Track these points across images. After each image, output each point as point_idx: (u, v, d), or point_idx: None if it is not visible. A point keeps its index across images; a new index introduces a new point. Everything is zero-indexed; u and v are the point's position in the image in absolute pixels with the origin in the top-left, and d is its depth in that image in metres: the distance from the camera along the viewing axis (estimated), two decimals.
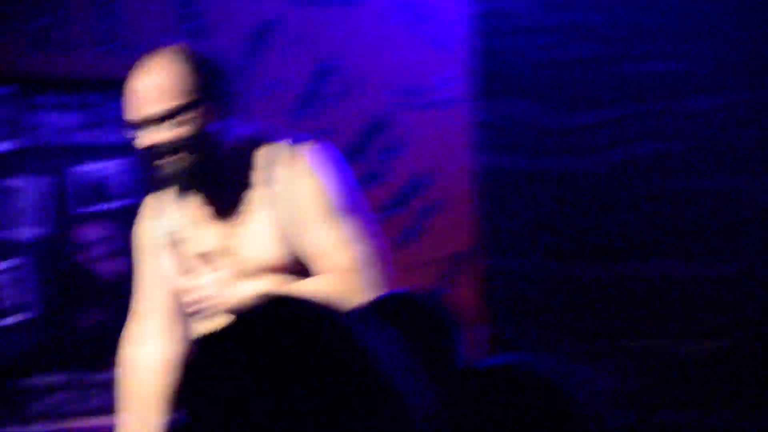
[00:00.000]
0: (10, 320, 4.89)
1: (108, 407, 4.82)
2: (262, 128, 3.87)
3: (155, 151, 3.62)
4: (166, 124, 3.60)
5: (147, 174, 3.85)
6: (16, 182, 4.84)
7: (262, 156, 3.73)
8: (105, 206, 5.04)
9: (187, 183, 3.67)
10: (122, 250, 4.97)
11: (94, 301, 5.10)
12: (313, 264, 3.70)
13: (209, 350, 1.65)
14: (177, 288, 3.86)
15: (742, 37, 5.84)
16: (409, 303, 3.03)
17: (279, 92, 5.22)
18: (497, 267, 5.85)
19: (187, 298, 3.81)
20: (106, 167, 5.05)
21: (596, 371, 6.14)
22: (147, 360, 3.95)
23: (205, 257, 3.80)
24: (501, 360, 2.13)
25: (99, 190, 5.03)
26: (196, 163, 3.65)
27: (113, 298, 5.08)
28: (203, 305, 3.79)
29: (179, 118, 3.59)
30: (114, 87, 4.73)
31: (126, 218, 4.94)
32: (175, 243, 3.85)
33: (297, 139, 3.75)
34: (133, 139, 3.70)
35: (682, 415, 5.80)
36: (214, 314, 3.71)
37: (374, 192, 5.24)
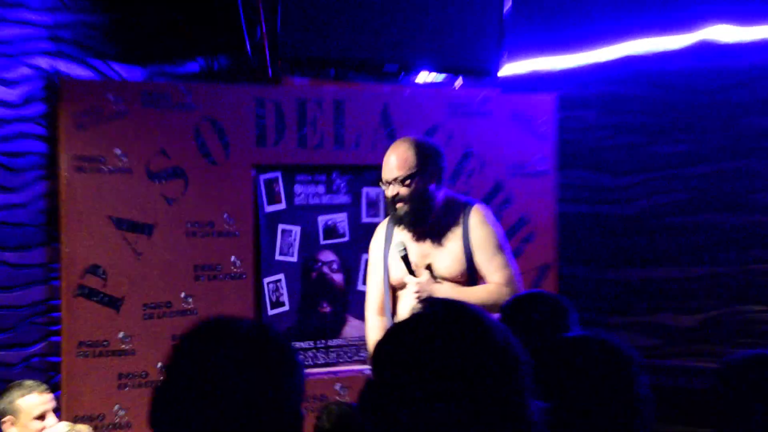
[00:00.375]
0: (282, 309, 6.03)
1: (335, 362, 6.22)
2: (456, 194, 5.08)
3: (395, 199, 4.88)
4: (403, 183, 4.85)
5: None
6: (285, 227, 6.06)
7: (454, 208, 4.94)
8: (335, 240, 6.22)
9: (412, 219, 4.88)
10: (342, 267, 6.26)
11: (327, 297, 6.22)
12: (481, 278, 4.86)
13: (405, 328, 2.08)
14: (401, 281, 4.90)
15: (720, 133, 6.83)
16: (538, 297, 3.78)
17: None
18: (569, 273, 7.02)
19: (411, 288, 4.83)
20: (337, 217, 6.22)
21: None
22: (375, 322, 5.11)
23: (420, 264, 4.89)
24: (581, 334, 2.52)
25: (333, 230, 6.20)
26: (418, 207, 4.87)
27: (340, 296, 6.25)
28: (420, 293, 4.83)
29: (409, 181, 4.83)
30: (341, 170, 6.22)
31: (347, 247, 6.27)
32: (403, 253, 4.84)
33: (474, 201, 5.02)
34: (383, 190, 4.92)
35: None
36: (425, 300, 4.68)
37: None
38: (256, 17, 5.92)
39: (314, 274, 6.23)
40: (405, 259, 4.88)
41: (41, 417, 4.86)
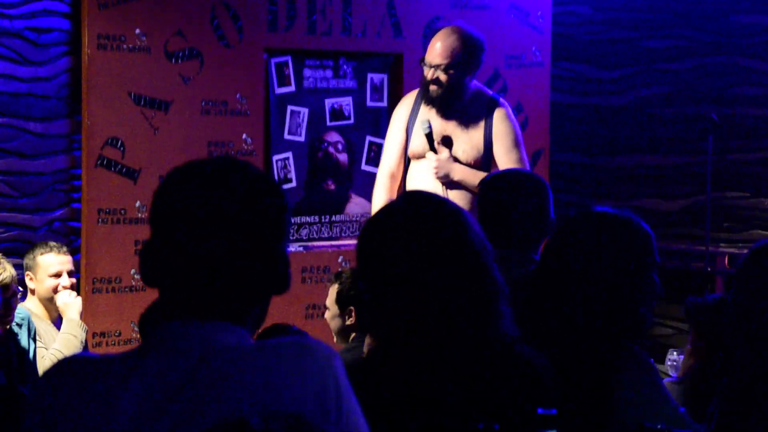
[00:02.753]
0: (289, 185, 6.09)
1: (338, 237, 6.33)
2: (484, 87, 5.19)
3: (432, 81, 4.95)
4: (443, 70, 4.92)
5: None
6: (294, 108, 6.14)
7: (481, 99, 5.03)
8: (340, 122, 6.31)
9: (442, 103, 4.96)
10: (350, 146, 6.35)
11: (332, 175, 6.33)
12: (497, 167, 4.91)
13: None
14: (420, 153, 4.98)
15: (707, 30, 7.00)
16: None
17: None
18: (560, 159, 7.11)
19: (430, 163, 4.92)
20: (343, 101, 6.31)
21: None
22: (381, 191, 5.19)
23: (442, 142, 5.00)
24: (603, 209, 2.58)
25: (338, 113, 6.30)
26: (451, 94, 4.95)
27: (344, 174, 6.35)
28: (438, 170, 4.92)
29: (450, 70, 4.90)
30: (348, 56, 6.27)
31: (352, 129, 6.35)
32: (428, 130, 4.92)
33: (499, 97, 5.14)
34: (422, 70, 5.00)
35: None
36: (441, 175, 4.88)
37: None
38: None
39: (320, 154, 6.31)
40: (429, 136, 4.95)
41: (57, 275, 4.93)
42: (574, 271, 2.44)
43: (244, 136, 6.02)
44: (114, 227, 5.69)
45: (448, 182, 4.97)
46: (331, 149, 6.32)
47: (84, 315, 5.24)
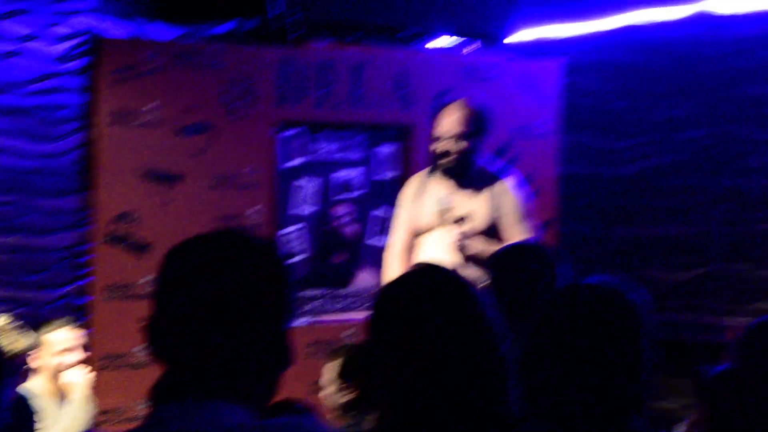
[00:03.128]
0: (295, 259, 6.04)
1: (345, 309, 6.23)
2: (492, 157, 5.18)
3: (442, 152, 4.95)
4: (454, 140, 4.93)
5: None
6: (302, 181, 6.06)
7: (491, 171, 5.02)
8: (348, 195, 6.22)
9: (453, 173, 4.95)
10: (357, 220, 6.27)
11: (339, 248, 6.21)
12: (504, 241, 4.86)
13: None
14: (428, 227, 4.95)
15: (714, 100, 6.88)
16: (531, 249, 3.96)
17: None
18: (569, 230, 7.02)
19: (449, 235, 4.89)
20: (351, 173, 6.22)
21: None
22: (395, 263, 5.17)
23: (454, 216, 4.94)
24: (592, 281, 2.39)
25: (346, 185, 6.20)
26: (462, 164, 4.94)
27: (351, 248, 6.24)
28: (458, 243, 4.88)
29: (461, 140, 4.90)
30: (357, 129, 6.22)
31: (359, 202, 6.26)
32: (443, 206, 4.90)
33: (509, 169, 5.16)
34: (432, 143, 5.00)
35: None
36: (455, 247, 4.87)
37: None
38: None
39: (327, 227, 6.24)
40: (446, 210, 4.96)
41: (64, 352, 4.83)
42: (563, 347, 2.33)
43: (252, 209, 5.96)
44: (122, 303, 5.60)
45: (466, 255, 4.94)
46: (338, 222, 6.25)
47: (92, 392, 5.15)
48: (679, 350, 6.38)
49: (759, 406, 2.49)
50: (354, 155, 6.29)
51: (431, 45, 6.61)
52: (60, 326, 4.86)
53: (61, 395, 4.91)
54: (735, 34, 6.77)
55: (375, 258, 6.18)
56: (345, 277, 6.30)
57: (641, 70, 7.12)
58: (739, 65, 6.80)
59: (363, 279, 6.29)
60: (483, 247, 4.91)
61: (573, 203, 7.13)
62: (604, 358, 2.30)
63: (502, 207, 4.95)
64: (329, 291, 6.24)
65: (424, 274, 2.24)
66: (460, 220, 4.97)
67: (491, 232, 4.97)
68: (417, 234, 5.13)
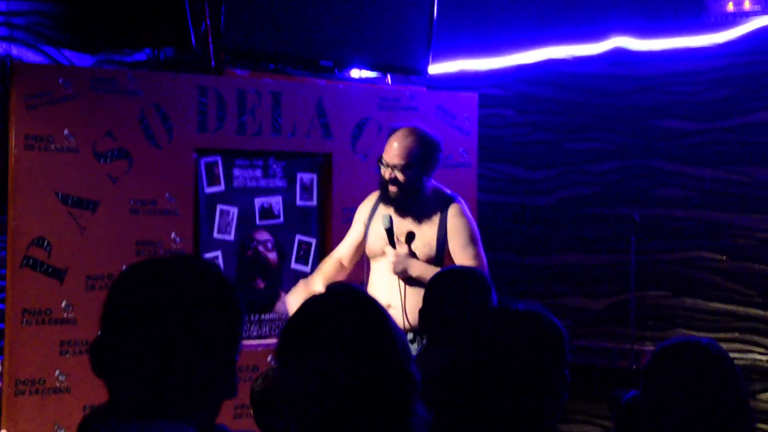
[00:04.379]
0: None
1: (267, 335, 6.11)
2: (443, 186, 5.10)
3: (391, 180, 4.90)
4: (401, 170, 4.87)
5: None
6: (224, 207, 5.98)
7: (438, 198, 4.99)
8: (271, 221, 6.13)
9: (401, 202, 4.93)
10: (277, 246, 6.15)
11: (261, 274, 6.13)
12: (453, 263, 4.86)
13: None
14: (378, 251, 4.93)
15: (626, 133, 6.99)
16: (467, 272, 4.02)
17: (370, 160, 6.09)
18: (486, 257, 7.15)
19: (389, 258, 4.84)
20: (273, 200, 6.14)
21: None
22: (331, 263, 5.17)
23: (405, 239, 4.93)
24: (515, 305, 2.50)
25: (268, 212, 6.11)
26: (409, 193, 4.90)
27: (274, 273, 6.14)
28: (396, 264, 4.84)
29: (407, 170, 4.86)
30: (278, 156, 6.09)
31: (280, 229, 6.16)
32: (388, 225, 4.86)
33: (456, 195, 5.08)
34: (380, 170, 4.94)
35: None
36: (399, 270, 4.80)
37: None
38: (201, 11, 5.80)
39: (250, 252, 6.15)
40: (389, 231, 4.89)
41: None
42: (483, 368, 2.40)
43: (173, 235, 5.84)
44: (39, 328, 5.46)
45: (406, 278, 4.89)
46: (260, 248, 6.16)
47: (6, 418, 5.04)
48: (596, 376, 6.41)
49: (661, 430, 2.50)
50: (276, 182, 6.23)
51: (352, 75, 6.60)
52: None
53: None
54: (648, 69, 6.88)
55: (297, 283, 6.08)
56: (267, 302, 6.22)
57: (554, 104, 7.18)
58: (652, 100, 6.90)
59: (285, 304, 6.03)
60: (424, 270, 4.85)
61: (491, 231, 7.11)
62: (517, 380, 2.37)
63: (449, 232, 4.92)
64: (252, 316, 6.17)
65: (329, 295, 2.20)
66: (406, 239, 4.95)
67: (438, 258, 4.93)
68: (369, 257, 5.12)
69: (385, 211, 5.00)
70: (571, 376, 2.45)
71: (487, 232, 6.75)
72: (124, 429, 1.69)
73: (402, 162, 4.86)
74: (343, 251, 5.22)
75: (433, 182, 5.03)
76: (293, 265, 6.24)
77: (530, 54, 6.98)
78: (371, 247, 5.04)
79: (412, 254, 4.92)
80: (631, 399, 3.64)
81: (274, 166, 6.21)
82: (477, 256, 4.93)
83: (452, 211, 4.94)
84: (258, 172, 6.16)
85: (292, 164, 6.22)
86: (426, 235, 4.93)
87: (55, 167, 5.49)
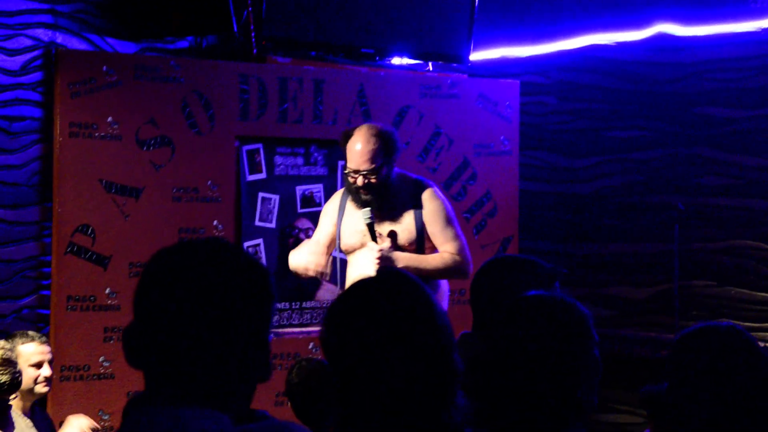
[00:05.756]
0: None
1: (309, 323, 6.16)
2: (406, 171, 5.09)
3: (363, 186, 4.82)
4: (370, 172, 4.80)
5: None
6: (265, 195, 6.03)
7: (407, 184, 4.96)
8: (312, 209, 6.17)
9: (375, 202, 4.84)
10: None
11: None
12: (434, 248, 4.90)
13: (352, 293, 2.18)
14: (352, 246, 4.93)
15: (670, 121, 6.97)
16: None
17: (411, 148, 6.29)
18: (529, 246, 7.06)
19: (372, 254, 4.78)
20: (314, 188, 6.21)
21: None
22: (301, 258, 5.07)
23: (381, 233, 4.90)
24: (536, 293, 2.51)
25: (309, 199, 6.20)
26: (381, 192, 4.83)
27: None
28: (381, 260, 4.78)
29: (375, 173, 4.80)
30: (319, 144, 6.15)
31: (320, 216, 5.78)
32: (369, 221, 4.85)
33: (424, 179, 5.05)
34: (347, 176, 4.86)
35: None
36: (381, 264, 4.73)
37: (462, 203, 6.44)
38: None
39: (291, 240, 6.17)
40: (370, 226, 4.88)
41: (38, 365, 4.65)
42: (512, 356, 2.39)
43: (215, 222, 5.89)
44: (83, 314, 5.53)
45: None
46: (302, 236, 6.17)
47: (51, 403, 5.09)
48: (639, 366, 6.37)
49: (691, 422, 2.46)
50: (317, 170, 6.26)
51: (393, 62, 6.59)
52: (33, 338, 4.69)
53: (30, 407, 4.73)
54: (692, 56, 6.83)
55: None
56: (308, 289, 6.23)
57: (597, 92, 7.15)
58: (696, 87, 6.84)
59: (327, 291, 6.24)
60: (409, 260, 4.85)
61: (532, 220, 7.13)
62: (548, 364, 2.34)
63: (426, 215, 4.91)
64: (293, 304, 6.19)
65: (379, 280, 2.20)
66: (388, 236, 4.92)
67: (419, 244, 4.92)
68: (346, 252, 5.08)
69: (353, 211, 4.97)
70: (614, 365, 2.46)
71: (528, 220, 6.96)
72: (160, 416, 1.70)
73: (372, 166, 4.81)
74: (321, 241, 5.14)
75: (396, 169, 5.00)
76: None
77: (572, 41, 6.94)
78: (348, 242, 5.00)
79: (395, 247, 4.90)
80: (663, 391, 3.72)
81: (316, 153, 6.24)
82: (456, 236, 4.93)
83: (426, 195, 4.93)
84: (299, 160, 6.20)
85: (334, 152, 6.23)
86: (404, 221, 4.93)
87: (99, 155, 5.55)
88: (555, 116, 7.28)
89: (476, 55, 6.63)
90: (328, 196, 6.09)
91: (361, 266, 4.88)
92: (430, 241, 4.94)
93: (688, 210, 6.47)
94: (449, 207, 5.01)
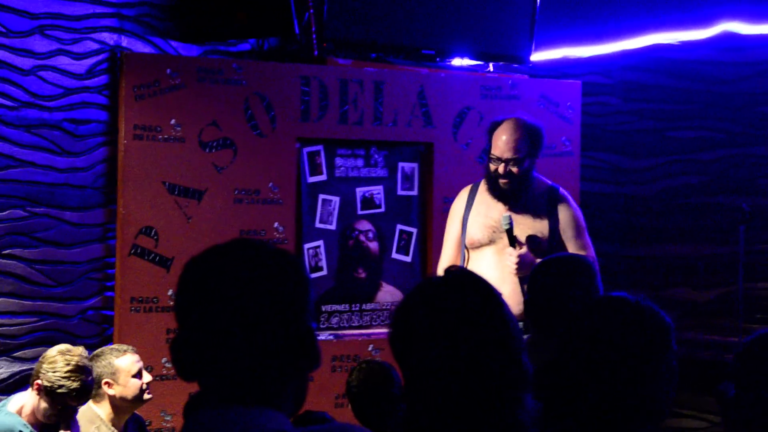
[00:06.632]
0: (320, 273, 6.04)
1: (369, 325, 6.21)
2: (541, 176, 5.10)
3: (504, 174, 4.91)
4: (512, 164, 4.91)
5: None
6: (326, 197, 6.10)
7: (543, 189, 5.03)
8: (371, 211, 6.25)
9: (513, 195, 4.94)
10: (378, 236, 6.25)
11: (362, 263, 6.21)
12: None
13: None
14: (477, 242, 4.97)
15: (734, 121, 6.92)
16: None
17: (472, 150, 6.28)
18: None
19: (511, 259, 4.85)
20: (374, 189, 6.24)
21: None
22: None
23: (526, 239, 4.97)
24: (621, 295, 2.51)
25: (370, 201, 6.23)
26: (520, 186, 4.93)
27: (375, 263, 6.22)
28: (520, 265, 4.85)
29: (519, 163, 4.89)
30: (379, 146, 6.19)
31: (383, 218, 6.26)
32: (508, 225, 4.89)
33: (557, 185, 5.12)
34: (489, 163, 4.95)
35: None
36: (520, 270, 4.82)
37: None
38: (305, 1, 5.85)
39: (351, 242, 6.24)
40: (509, 231, 4.92)
41: (138, 375, 4.71)
42: (590, 358, 2.40)
43: (276, 224, 5.95)
44: (146, 316, 5.62)
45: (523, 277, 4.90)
46: (362, 237, 6.23)
47: None
48: (702, 369, 6.36)
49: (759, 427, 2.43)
50: (377, 172, 6.30)
51: (454, 63, 6.60)
52: (125, 351, 4.72)
53: (126, 421, 4.74)
54: (758, 54, 6.78)
55: (398, 272, 6.21)
56: (369, 291, 6.27)
57: (660, 91, 7.11)
58: (762, 86, 6.80)
59: (386, 293, 6.28)
60: None
61: (594, 222, 6.99)
62: (625, 370, 2.35)
63: (561, 224, 4.98)
64: (353, 305, 6.23)
65: (448, 280, 2.20)
66: (527, 242, 4.96)
67: (550, 248, 4.95)
68: (469, 248, 5.11)
69: (487, 201, 5.03)
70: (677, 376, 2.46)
71: (589, 222, 6.70)
72: (218, 418, 1.72)
73: (516, 155, 4.89)
74: (452, 253, 5.20)
75: (534, 172, 5.07)
76: (394, 255, 6.32)
77: (635, 40, 6.88)
78: (474, 237, 5.05)
79: (532, 252, 4.94)
80: (731, 396, 3.70)
81: (376, 155, 6.28)
82: (587, 245, 5.01)
83: (561, 202, 5.01)
84: (360, 162, 6.24)
85: (394, 153, 6.28)
86: (538, 227, 4.97)
87: (163, 157, 5.64)
88: (617, 116, 7.24)
89: (537, 56, 6.62)
90: (388, 197, 6.31)
91: (488, 265, 4.92)
92: (561, 248, 4.97)
93: (753, 211, 6.37)
94: (581, 216, 5.08)
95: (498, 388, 2.07)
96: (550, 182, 5.12)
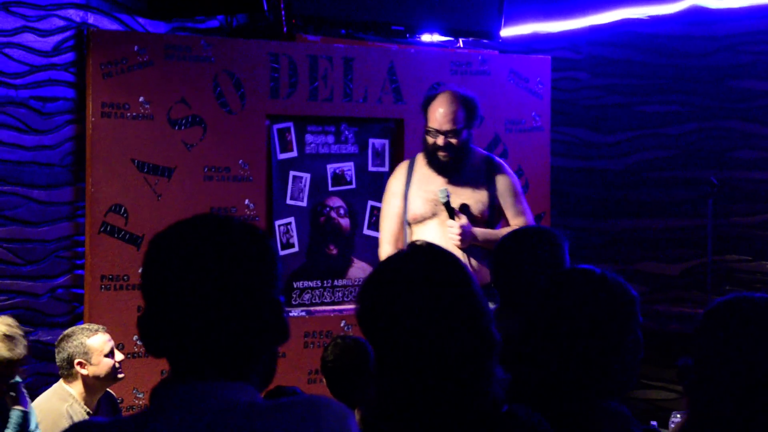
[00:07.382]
0: (292, 250, 6.03)
1: (341, 301, 6.21)
2: (475, 147, 5.11)
3: (443, 147, 4.94)
4: (451, 136, 4.94)
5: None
6: (296, 173, 6.05)
7: (479, 160, 5.04)
8: (342, 188, 6.21)
9: (452, 167, 4.96)
10: (349, 212, 6.24)
11: (334, 240, 6.22)
12: (506, 221, 5.04)
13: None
14: (419, 216, 5.00)
15: (704, 95, 6.93)
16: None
17: None
18: (561, 222, 7.00)
19: (452, 231, 4.88)
20: (345, 166, 6.22)
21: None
22: (390, 248, 5.10)
23: (460, 209, 4.99)
24: (584, 267, 2.52)
25: (341, 178, 6.22)
26: (459, 157, 4.96)
27: (346, 239, 6.25)
28: (462, 236, 4.88)
29: (457, 135, 4.92)
30: (349, 122, 6.18)
31: (353, 194, 6.23)
32: (446, 199, 4.91)
33: (492, 154, 5.18)
34: (426, 136, 4.97)
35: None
36: (463, 241, 4.86)
37: None
38: None
39: (322, 219, 6.24)
40: (447, 204, 4.96)
41: (110, 354, 4.71)
42: (555, 330, 2.42)
43: (246, 201, 5.95)
44: (117, 294, 5.61)
45: (466, 247, 4.97)
46: (333, 214, 6.24)
47: None
48: (671, 342, 6.37)
49: (720, 397, 2.37)
50: (348, 148, 6.28)
51: (424, 38, 6.61)
52: (96, 331, 4.72)
53: (97, 402, 4.75)
54: (726, 29, 6.80)
55: (370, 248, 6.18)
56: (340, 267, 6.29)
57: (629, 66, 7.14)
58: (730, 60, 6.82)
59: (358, 269, 6.29)
60: (488, 235, 4.96)
61: (564, 196, 7.14)
62: (591, 341, 2.38)
63: (499, 191, 5.01)
64: (325, 281, 6.24)
65: (414, 253, 2.21)
66: (460, 211, 4.99)
67: (491, 218, 5.02)
68: (410, 223, 5.13)
69: (425, 175, 5.04)
70: (646, 341, 2.48)
71: (560, 196, 6.97)
72: (185, 393, 1.74)
73: (454, 127, 4.92)
74: (394, 228, 5.21)
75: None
76: (365, 231, 6.33)
77: (604, 15, 6.92)
78: (417, 212, 5.07)
79: (471, 222, 4.98)
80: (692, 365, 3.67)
81: (346, 132, 6.26)
82: (525, 210, 5.07)
83: (499, 171, 5.05)
84: (330, 138, 6.23)
85: (364, 130, 6.28)
86: (478, 196, 5.01)
87: (131, 134, 5.62)
88: (587, 91, 7.28)
89: (507, 31, 6.64)
90: (359, 174, 6.29)
91: (432, 239, 4.85)
92: (501, 215, 5.04)
93: (722, 184, 6.44)
94: (518, 182, 5.15)
95: (468, 358, 2.08)
96: (485, 152, 5.18)
